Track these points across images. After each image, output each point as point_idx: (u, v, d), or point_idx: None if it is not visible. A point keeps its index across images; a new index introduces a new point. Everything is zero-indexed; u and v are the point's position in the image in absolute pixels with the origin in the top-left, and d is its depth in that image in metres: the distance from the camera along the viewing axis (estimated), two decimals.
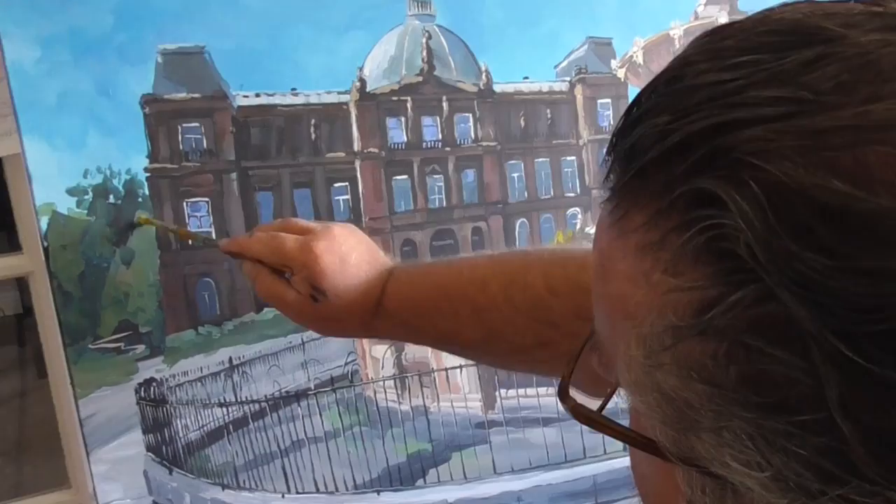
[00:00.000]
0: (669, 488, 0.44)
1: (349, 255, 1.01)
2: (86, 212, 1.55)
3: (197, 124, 1.63)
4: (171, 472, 1.66)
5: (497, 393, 1.84)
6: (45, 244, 1.51)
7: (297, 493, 1.72)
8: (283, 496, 1.71)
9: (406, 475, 1.77)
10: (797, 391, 0.36)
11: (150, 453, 1.63)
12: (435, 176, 1.82)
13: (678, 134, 0.39)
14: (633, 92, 2.03)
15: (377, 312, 1.02)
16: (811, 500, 0.37)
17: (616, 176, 0.45)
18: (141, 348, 1.61)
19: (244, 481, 1.69)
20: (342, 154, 1.75)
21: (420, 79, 1.80)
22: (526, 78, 1.88)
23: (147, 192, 1.59)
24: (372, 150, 1.77)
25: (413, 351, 1.86)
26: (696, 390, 0.40)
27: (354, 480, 1.75)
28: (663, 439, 0.43)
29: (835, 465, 0.36)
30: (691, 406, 0.40)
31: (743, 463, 0.39)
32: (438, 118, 1.82)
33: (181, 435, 1.66)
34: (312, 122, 1.71)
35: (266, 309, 1.71)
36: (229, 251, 1.13)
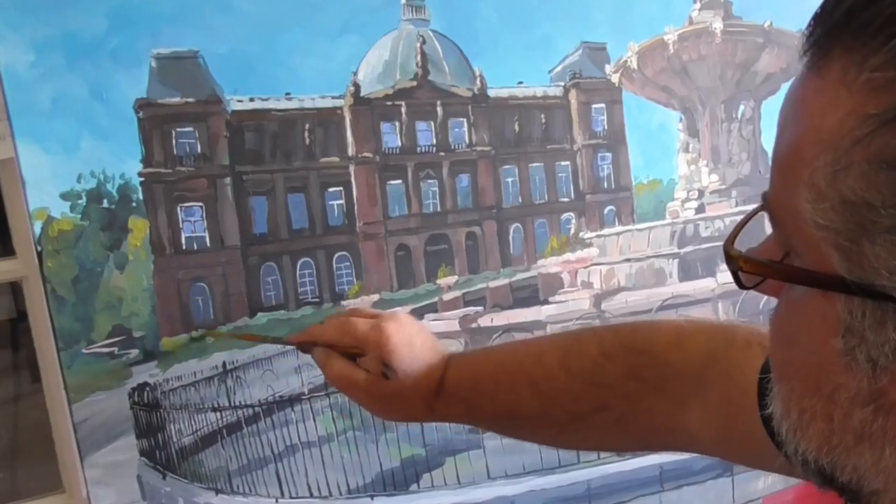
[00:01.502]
0: (822, 324, 0.49)
1: (416, 337, 1.05)
2: (79, 216, 1.55)
3: (191, 129, 1.63)
4: (164, 477, 1.65)
5: None
6: (39, 248, 1.51)
7: (291, 497, 1.72)
8: (276, 501, 1.71)
9: (400, 480, 1.77)
10: None
11: (143, 458, 1.63)
12: (429, 180, 1.83)
13: None
14: (627, 97, 2.03)
15: (439, 392, 1.05)
16: None
17: (816, 34, 0.48)
18: (135, 353, 1.61)
19: (238, 486, 1.69)
20: (336, 159, 1.75)
21: (414, 83, 1.80)
22: (520, 83, 1.89)
23: (141, 196, 1.59)
24: (366, 154, 1.77)
25: None
26: (881, 184, 0.43)
27: (348, 485, 1.75)
28: (835, 262, 0.46)
29: None
30: (872, 207, 0.43)
31: None
32: (433, 123, 1.82)
33: (175, 440, 1.66)
34: (306, 126, 1.71)
35: (260, 314, 1.70)
36: (299, 342, 1.15)
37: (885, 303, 0.45)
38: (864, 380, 0.48)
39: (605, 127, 1.98)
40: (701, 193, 2.33)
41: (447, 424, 1.80)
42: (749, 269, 0.53)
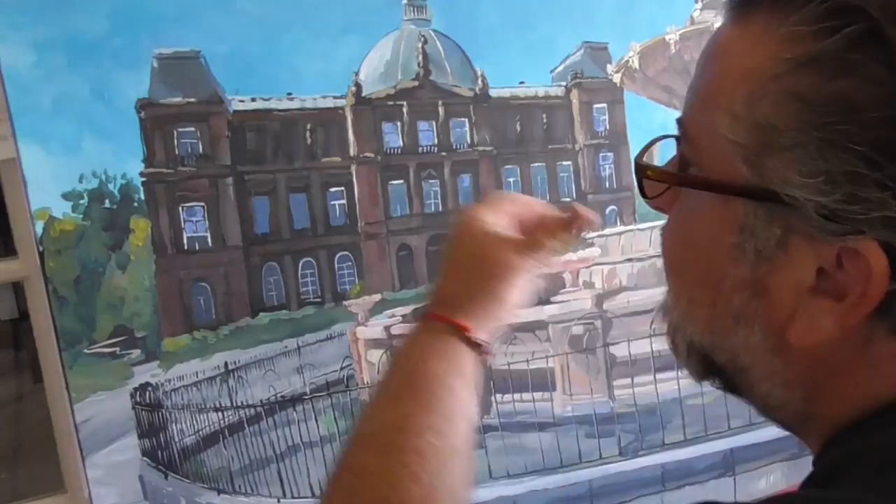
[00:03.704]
0: (719, 225, 0.60)
1: None
2: (81, 216, 1.55)
3: (193, 129, 1.63)
4: (166, 477, 1.65)
5: (493, 398, 1.83)
6: (41, 249, 1.51)
7: (293, 497, 1.71)
8: (278, 501, 1.71)
9: None
10: (877, 93, 0.51)
11: (145, 458, 1.63)
12: (431, 181, 1.83)
13: None
14: (629, 97, 2.03)
15: None
16: (854, 188, 0.52)
17: None
18: (136, 353, 1.61)
19: (240, 486, 1.69)
20: (338, 159, 1.75)
21: (416, 83, 1.80)
22: (522, 83, 1.88)
23: (143, 196, 1.59)
24: (368, 154, 1.77)
25: None
26: (789, 112, 0.54)
27: None
28: (741, 172, 0.57)
29: (881, 154, 0.51)
30: (777, 129, 0.54)
31: (804, 174, 0.53)
32: (434, 123, 1.82)
33: (177, 440, 1.66)
34: (308, 126, 1.71)
35: (262, 314, 1.70)
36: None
37: (774, 205, 0.56)
38: (747, 268, 0.59)
39: (607, 127, 1.98)
40: None
41: None
42: (657, 178, 0.65)
